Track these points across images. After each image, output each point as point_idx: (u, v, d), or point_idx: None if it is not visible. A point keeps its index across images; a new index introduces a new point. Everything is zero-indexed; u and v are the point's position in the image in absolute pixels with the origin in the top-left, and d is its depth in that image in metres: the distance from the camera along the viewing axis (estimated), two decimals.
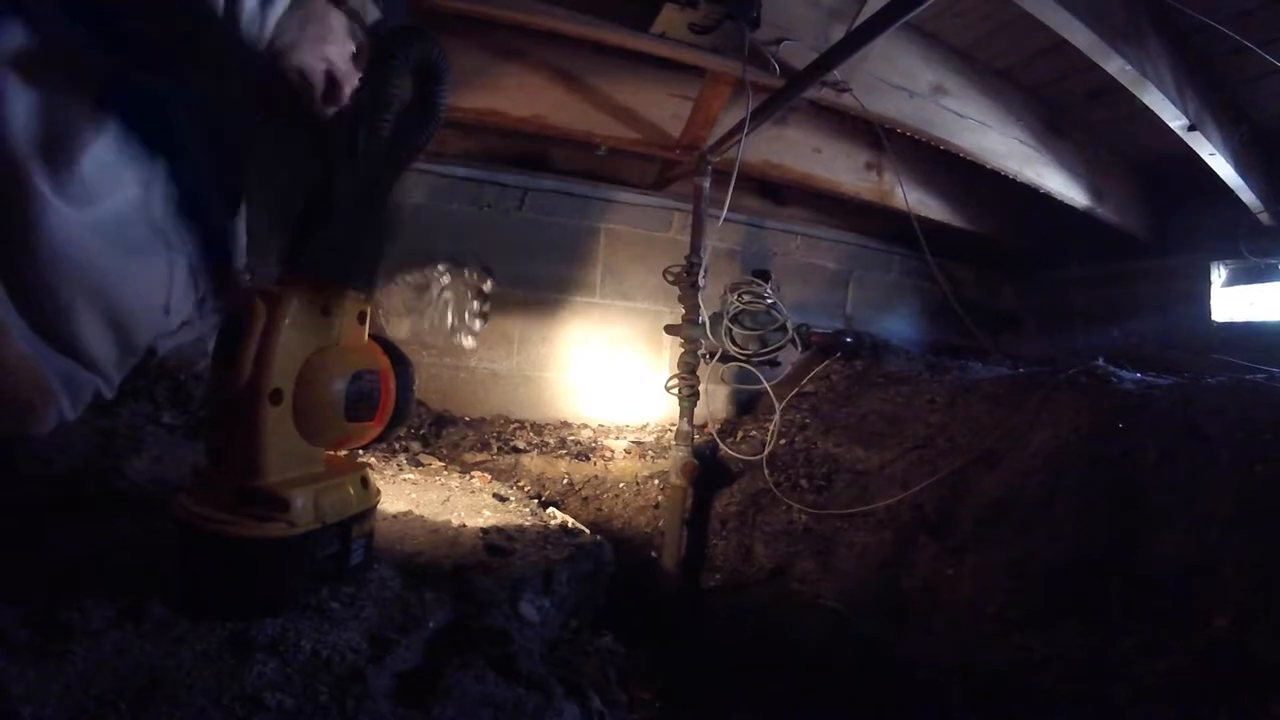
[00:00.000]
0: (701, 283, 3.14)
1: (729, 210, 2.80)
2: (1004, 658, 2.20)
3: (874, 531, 2.98)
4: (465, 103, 3.30)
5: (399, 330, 1.99)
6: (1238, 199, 3.81)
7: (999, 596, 2.38)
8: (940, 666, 2.32)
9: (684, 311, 3.29)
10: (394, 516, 2.06)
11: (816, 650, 2.66)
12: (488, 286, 2.12)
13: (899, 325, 5.44)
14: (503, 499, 2.52)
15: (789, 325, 2.71)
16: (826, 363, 4.35)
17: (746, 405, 4.50)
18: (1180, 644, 1.94)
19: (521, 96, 3.38)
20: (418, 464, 2.98)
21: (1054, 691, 2.04)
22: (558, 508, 2.75)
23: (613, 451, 3.85)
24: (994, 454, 2.98)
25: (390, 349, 1.43)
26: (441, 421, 3.86)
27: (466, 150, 4.05)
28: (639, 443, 4.00)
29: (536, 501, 2.70)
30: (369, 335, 1.41)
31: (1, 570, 1.18)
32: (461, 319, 2.10)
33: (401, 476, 2.66)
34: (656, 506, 3.43)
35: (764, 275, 2.80)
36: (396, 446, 3.26)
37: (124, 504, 1.59)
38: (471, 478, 2.85)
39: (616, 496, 3.52)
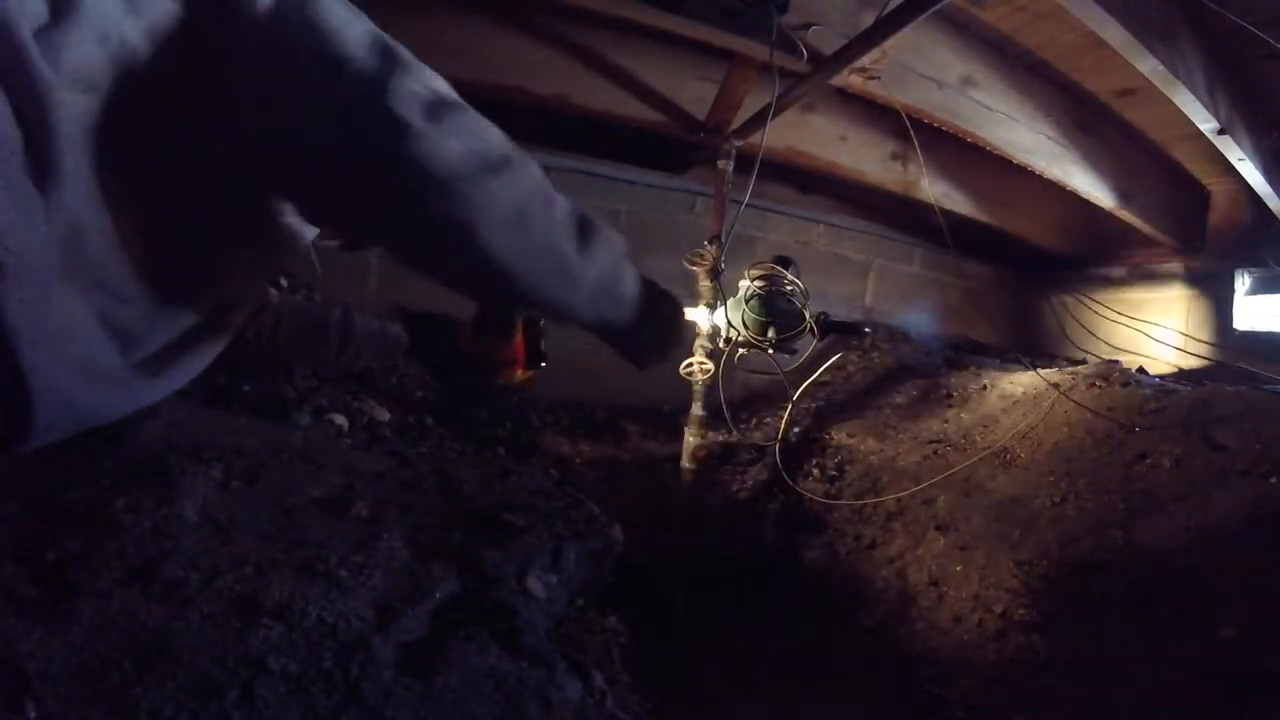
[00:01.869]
0: (722, 267, 3.12)
1: (751, 195, 2.78)
2: (1008, 656, 2.20)
3: (884, 524, 2.98)
4: (489, 78, 3.28)
5: None
6: (1265, 206, 3.76)
7: (1005, 595, 2.38)
8: (944, 662, 2.32)
9: (703, 296, 3.27)
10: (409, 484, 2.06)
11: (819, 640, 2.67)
12: None
13: (918, 319, 5.41)
14: (517, 474, 2.52)
15: (808, 314, 2.69)
16: (844, 353, 4.33)
17: (761, 392, 4.47)
18: (1185, 652, 1.93)
19: (545, 74, 3.36)
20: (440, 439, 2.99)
21: (1056, 692, 2.04)
22: (570, 484, 2.75)
23: (627, 432, 3.85)
24: (1008, 452, 2.97)
25: None
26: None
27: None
28: (653, 425, 3.99)
29: (551, 478, 2.70)
30: None
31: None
32: None
33: (415, 450, 2.66)
34: (669, 488, 3.42)
35: (785, 262, 2.76)
36: (411, 420, 3.26)
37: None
38: (486, 452, 2.86)
39: (629, 476, 3.52)
